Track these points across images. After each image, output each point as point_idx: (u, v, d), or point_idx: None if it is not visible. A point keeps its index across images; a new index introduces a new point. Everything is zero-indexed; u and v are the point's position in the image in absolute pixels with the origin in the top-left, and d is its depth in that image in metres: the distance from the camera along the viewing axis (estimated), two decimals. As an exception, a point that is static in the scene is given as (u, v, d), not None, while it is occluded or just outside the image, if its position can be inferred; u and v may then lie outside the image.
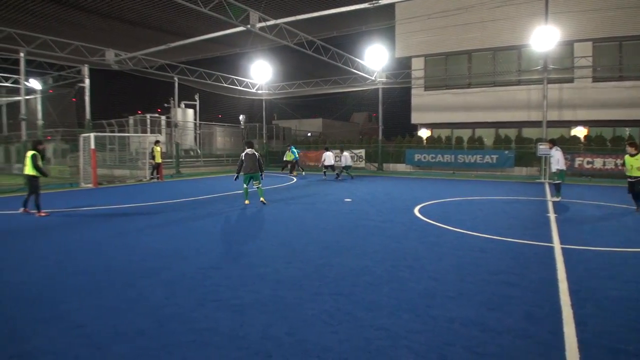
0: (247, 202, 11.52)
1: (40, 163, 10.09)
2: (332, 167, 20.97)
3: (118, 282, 5.17)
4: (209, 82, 25.08)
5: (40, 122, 21.34)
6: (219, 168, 27.45)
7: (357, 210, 10.52)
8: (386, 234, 7.77)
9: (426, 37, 24.98)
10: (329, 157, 20.90)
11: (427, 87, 26.33)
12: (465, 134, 24.98)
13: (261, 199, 11.55)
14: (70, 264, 6.02)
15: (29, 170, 10.00)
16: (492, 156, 22.21)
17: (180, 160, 23.85)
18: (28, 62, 17.82)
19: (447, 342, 3.62)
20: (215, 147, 30.98)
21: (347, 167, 20.47)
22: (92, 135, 17.61)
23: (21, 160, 20.22)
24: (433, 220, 9.07)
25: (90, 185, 17.02)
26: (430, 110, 26.12)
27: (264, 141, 31.10)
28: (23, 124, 17.81)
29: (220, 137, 31.45)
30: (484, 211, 10.64)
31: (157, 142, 19.35)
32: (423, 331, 3.82)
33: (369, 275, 5.43)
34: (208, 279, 5.29)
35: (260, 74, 26.40)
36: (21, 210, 10.12)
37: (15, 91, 24.20)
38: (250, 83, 27.82)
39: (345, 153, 21.13)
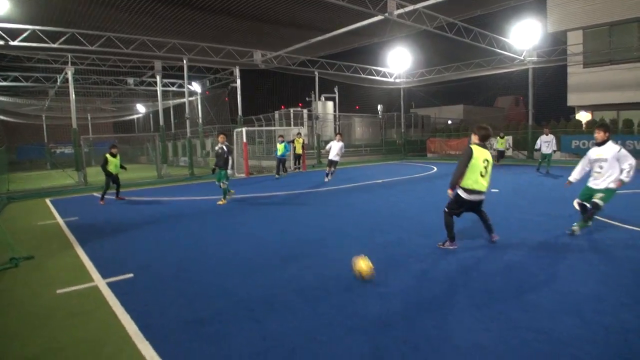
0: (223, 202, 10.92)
1: (107, 165, 11.54)
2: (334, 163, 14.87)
3: (271, 263, 5.65)
4: (347, 74, 25.61)
5: (200, 120, 24.21)
6: (358, 158, 27.99)
7: (506, 203, 9.75)
8: (542, 229, 7.04)
9: (584, 6, 21.79)
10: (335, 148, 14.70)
11: (586, 64, 23.00)
12: (636, 116, 21.25)
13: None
14: (229, 245, 6.76)
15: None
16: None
17: (322, 151, 24.92)
18: (189, 68, 20.38)
19: (622, 356, 3.15)
20: (354, 138, 31.65)
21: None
22: (243, 129, 19.43)
23: (185, 154, 23.34)
24: (598, 215, 7.93)
25: (242, 175, 18.84)
26: (590, 90, 22.79)
27: (402, 130, 30.74)
28: (187, 122, 20.46)
29: (359, 128, 32.00)
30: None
31: (298, 134, 20.51)
32: (591, 340, 3.38)
33: (523, 271, 5.00)
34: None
35: (398, 62, 26.05)
36: (117, 198, 12.07)
37: (180, 94, 27.90)
38: (387, 72, 27.68)
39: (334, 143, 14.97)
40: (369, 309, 4.09)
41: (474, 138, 5.80)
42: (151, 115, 36.21)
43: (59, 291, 4.87)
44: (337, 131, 23.37)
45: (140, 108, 35.20)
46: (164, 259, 6.07)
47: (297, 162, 20.79)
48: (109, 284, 5.02)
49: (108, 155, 11.57)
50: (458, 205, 5.76)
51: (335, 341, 3.48)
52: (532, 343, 3.34)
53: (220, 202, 10.75)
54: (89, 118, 34.08)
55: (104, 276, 5.31)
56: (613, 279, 4.72)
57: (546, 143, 16.24)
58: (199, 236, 7.45)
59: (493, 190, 11.57)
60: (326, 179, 14.98)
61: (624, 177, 6.32)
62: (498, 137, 20.82)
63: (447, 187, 5.84)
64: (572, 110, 24.73)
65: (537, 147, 16.64)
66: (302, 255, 5.99)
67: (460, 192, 5.64)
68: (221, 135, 10.81)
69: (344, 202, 10.51)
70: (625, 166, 6.31)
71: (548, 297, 4.23)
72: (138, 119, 39.79)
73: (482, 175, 5.58)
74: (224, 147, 10.58)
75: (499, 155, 20.72)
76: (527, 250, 5.88)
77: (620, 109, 22.29)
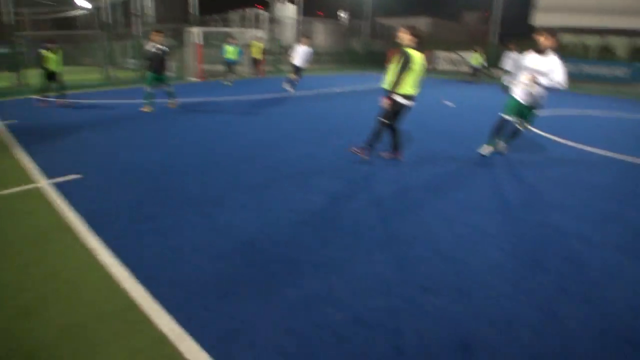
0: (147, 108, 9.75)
1: (45, 62, 10.33)
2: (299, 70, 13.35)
3: (222, 164, 5.66)
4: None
5: (150, 18, 22.32)
6: (318, 66, 27.24)
7: (460, 115, 10.03)
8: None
9: None
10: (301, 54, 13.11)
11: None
12: (594, 41, 21.53)
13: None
14: (180, 147, 6.67)
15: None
16: (624, 69, 19.08)
17: (280, 56, 23.97)
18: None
19: (540, 248, 3.54)
20: (316, 45, 30.53)
21: None
22: (197, 30, 18.22)
23: (135, 55, 21.74)
24: (542, 131, 8.37)
25: (196, 79, 18.03)
26: (556, 11, 22.60)
27: (365, 40, 29.86)
28: (135, 20, 18.84)
29: (321, 35, 30.79)
30: (604, 127, 9.59)
31: (257, 38, 19.53)
32: (517, 234, 3.76)
33: (463, 177, 5.33)
34: (305, 166, 5.59)
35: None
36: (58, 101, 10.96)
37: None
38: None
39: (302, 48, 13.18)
40: (317, 204, 4.28)
41: (408, 39, 5.24)
42: (95, 11, 33.04)
43: (-1, 192, 4.70)
44: (302, 35, 22.07)
45: (83, 2, 31.96)
46: (113, 160, 5.93)
47: (254, 67, 20.00)
48: (55, 184, 4.87)
49: (44, 52, 10.60)
50: (394, 114, 5.50)
51: (281, 231, 3.66)
52: (462, 235, 3.68)
53: (144, 109, 9.76)
54: (25, 14, 30.72)
55: (48, 177, 5.14)
56: (544, 186, 5.12)
57: (512, 60, 15.00)
58: (149, 138, 7.27)
59: (447, 103, 11.78)
60: (285, 86, 13.82)
61: (547, 83, 5.44)
62: (473, 52, 19.38)
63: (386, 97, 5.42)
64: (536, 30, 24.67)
65: (505, 66, 15.11)
66: (254, 156, 6.03)
67: (398, 99, 5.34)
68: (156, 34, 9.64)
69: (301, 108, 10.43)
70: (558, 78, 5.40)
71: (483, 199, 4.57)
72: (81, 16, 36.28)
73: (416, 81, 5.35)
74: (161, 47, 9.56)
75: (473, 73, 19.35)
76: (469, 160, 6.18)
77: (579, 33, 22.41)
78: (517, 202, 4.55)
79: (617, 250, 3.57)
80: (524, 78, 5.66)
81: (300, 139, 7.18)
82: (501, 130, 6.04)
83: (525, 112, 5.91)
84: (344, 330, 2.43)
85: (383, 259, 3.25)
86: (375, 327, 2.48)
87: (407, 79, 5.21)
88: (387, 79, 5.33)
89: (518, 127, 6.13)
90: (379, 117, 5.54)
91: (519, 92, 5.81)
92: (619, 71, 19.15)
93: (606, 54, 20.52)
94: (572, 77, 19.59)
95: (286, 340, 2.35)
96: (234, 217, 3.97)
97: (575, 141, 7.50)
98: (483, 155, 6.19)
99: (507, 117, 6.00)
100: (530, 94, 5.68)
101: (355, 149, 5.81)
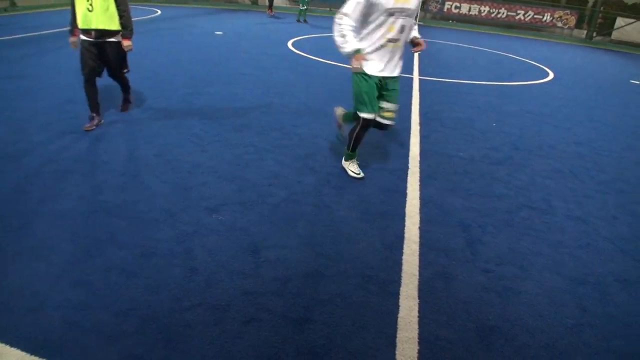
0: None
1: None
2: None
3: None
4: None
5: None
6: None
7: (230, 43, 9.98)
8: (259, 65, 7.63)
9: None
10: None
11: None
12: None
13: None
14: None
15: None
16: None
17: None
18: None
19: (310, 154, 4.00)
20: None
21: None
22: None
23: None
24: (305, 53, 9.18)
25: None
26: None
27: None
28: None
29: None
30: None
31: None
32: (289, 145, 4.15)
33: (240, 101, 5.47)
34: (64, 113, 4.79)
35: None
36: None
37: None
38: None
39: None
40: (82, 151, 3.82)
41: None
42: None
43: None
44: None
45: None
46: None
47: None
48: None
49: None
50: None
51: (44, 182, 3.17)
52: (242, 155, 3.86)
53: None
54: None
55: None
56: (310, 100, 5.70)
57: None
58: None
59: (216, 32, 11.60)
60: None
61: (418, 34, 3.31)
62: None
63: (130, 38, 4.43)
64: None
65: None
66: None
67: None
68: None
69: (49, 47, 8.72)
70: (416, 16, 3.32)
71: (258, 119, 4.83)
72: None
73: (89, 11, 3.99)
74: None
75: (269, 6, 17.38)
76: (244, 83, 6.34)
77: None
78: (288, 117, 4.94)
79: (368, 144, 4.29)
80: (384, 31, 3.09)
81: (53, 84, 6.07)
82: (362, 138, 3.50)
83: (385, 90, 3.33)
84: (133, 267, 2.33)
85: (164, 191, 3.16)
86: (166, 256, 2.44)
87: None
88: (109, 17, 4.07)
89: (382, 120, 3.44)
90: (123, 70, 4.58)
91: (387, 61, 3.20)
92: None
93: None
94: (328, 3, 21.19)
95: (73, 291, 2.13)
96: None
97: (332, 60, 8.43)
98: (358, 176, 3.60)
99: (366, 114, 3.30)
100: (393, 58, 3.21)
101: (89, 125, 4.28)
